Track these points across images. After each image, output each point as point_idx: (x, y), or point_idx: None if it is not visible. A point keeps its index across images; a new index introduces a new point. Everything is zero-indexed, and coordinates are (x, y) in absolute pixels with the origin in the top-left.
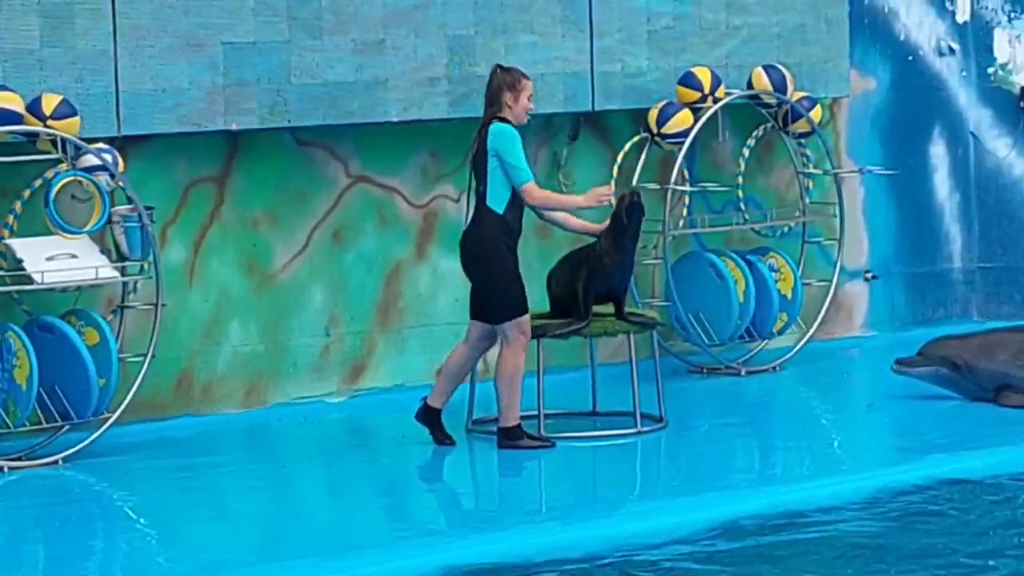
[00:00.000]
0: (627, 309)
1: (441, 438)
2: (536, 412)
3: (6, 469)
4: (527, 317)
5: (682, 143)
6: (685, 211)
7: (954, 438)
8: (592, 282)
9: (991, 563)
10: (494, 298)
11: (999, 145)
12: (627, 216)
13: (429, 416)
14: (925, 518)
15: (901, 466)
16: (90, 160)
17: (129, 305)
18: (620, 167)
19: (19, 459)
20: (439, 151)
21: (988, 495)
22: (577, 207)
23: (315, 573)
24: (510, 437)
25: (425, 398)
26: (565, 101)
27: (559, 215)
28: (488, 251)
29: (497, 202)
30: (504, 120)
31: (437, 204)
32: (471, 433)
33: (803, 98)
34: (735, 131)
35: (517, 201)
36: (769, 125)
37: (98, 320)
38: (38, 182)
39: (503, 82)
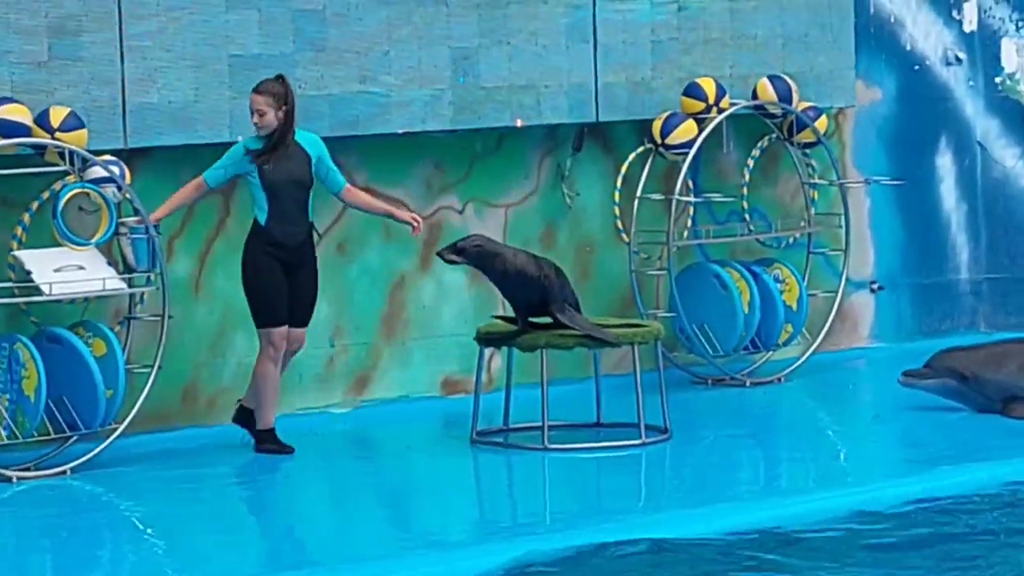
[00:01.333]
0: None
1: (276, 450)
2: (540, 423)
3: (15, 479)
4: (278, 330)
5: (686, 154)
6: (689, 222)
7: (961, 450)
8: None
9: (998, 574)
10: (255, 306)
11: (1006, 155)
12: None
13: (244, 417)
14: (931, 530)
15: (907, 478)
16: (97, 172)
17: (136, 317)
18: (624, 178)
19: (27, 469)
20: (443, 163)
21: (995, 507)
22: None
23: None
24: (260, 440)
25: (241, 400)
26: (569, 112)
27: None
28: (252, 260)
29: (259, 216)
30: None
31: (441, 216)
32: (475, 444)
33: (808, 108)
34: (740, 142)
35: (280, 210)
36: (774, 136)
37: (105, 331)
38: (46, 194)
39: None
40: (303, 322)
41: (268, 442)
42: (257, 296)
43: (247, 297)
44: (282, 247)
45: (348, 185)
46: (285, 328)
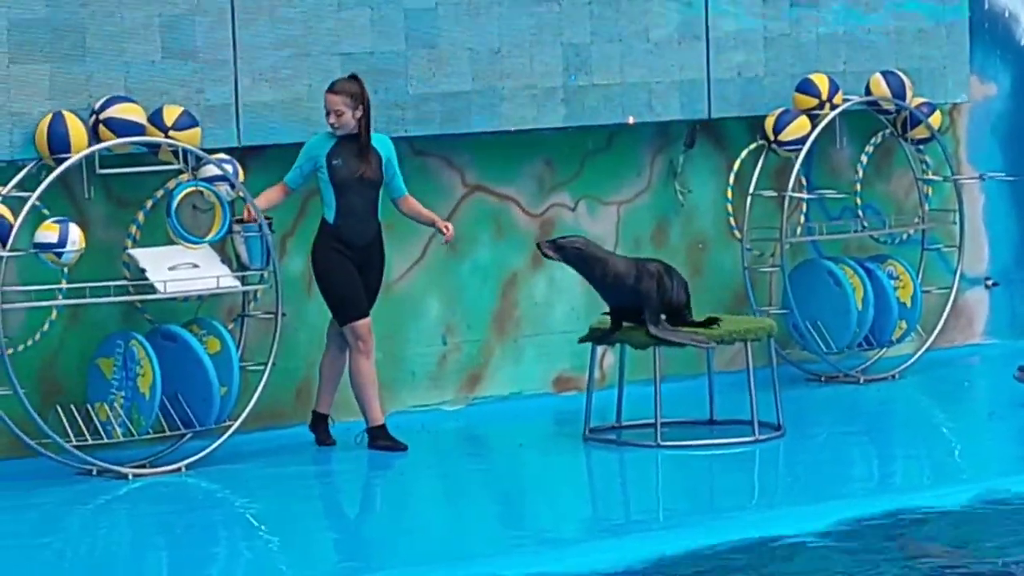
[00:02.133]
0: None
1: (391, 447)
2: (653, 420)
3: (130, 476)
4: (362, 323)
5: (799, 150)
6: (803, 218)
7: None
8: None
9: None
10: (334, 303)
11: None
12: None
13: (379, 435)
14: None
15: (1022, 475)
16: (211, 170)
17: (250, 314)
18: (737, 174)
19: (143, 466)
20: (555, 160)
21: None
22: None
23: None
24: (374, 436)
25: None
26: (681, 108)
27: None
28: (323, 258)
29: (328, 215)
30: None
31: (553, 213)
32: (588, 442)
33: (922, 104)
34: (853, 138)
35: (350, 209)
36: (887, 131)
37: (219, 329)
38: (160, 193)
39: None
40: (367, 313)
41: (381, 439)
42: (336, 293)
43: (325, 297)
44: (350, 246)
45: (407, 194)
46: (369, 320)
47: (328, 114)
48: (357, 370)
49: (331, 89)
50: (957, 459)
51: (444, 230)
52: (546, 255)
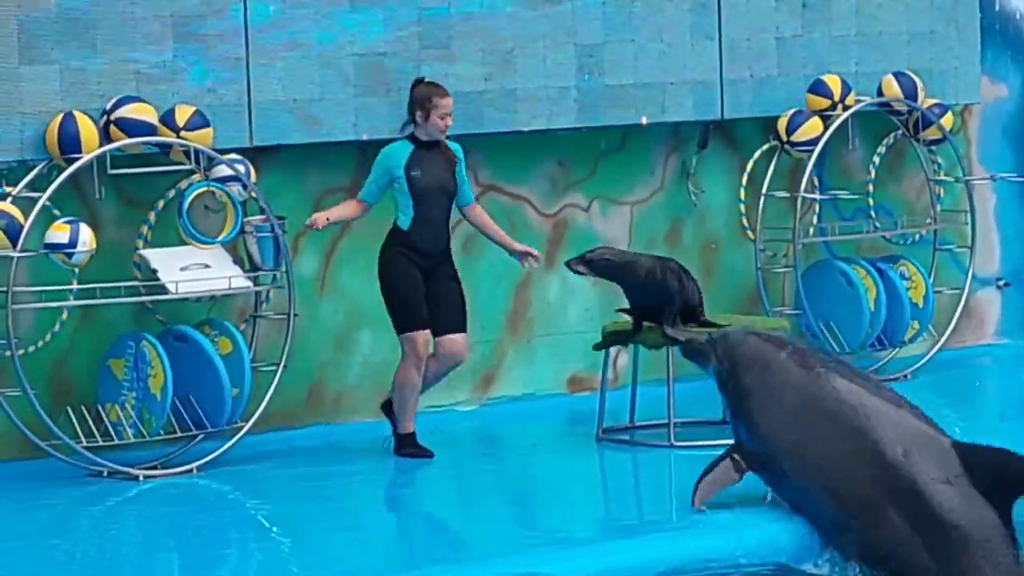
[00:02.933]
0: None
1: (417, 455)
2: (666, 420)
3: (141, 478)
4: (419, 334)
5: (812, 151)
6: (815, 219)
7: None
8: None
9: None
10: (393, 310)
11: None
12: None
13: (407, 443)
14: None
15: None
16: (223, 171)
17: (262, 315)
18: (750, 175)
19: (154, 468)
20: (568, 160)
21: None
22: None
23: None
24: (401, 444)
25: (395, 432)
26: (694, 109)
27: None
28: (388, 263)
29: (403, 221)
30: (411, 137)
31: (566, 213)
32: (601, 442)
33: (934, 105)
34: (865, 139)
35: (426, 218)
36: (899, 132)
37: (231, 330)
38: (171, 193)
39: (417, 98)
40: (457, 327)
41: (408, 446)
42: (395, 300)
43: (386, 303)
44: (422, 253)
45: (475, 203)
46: (427, 333)
47: (444, 117)
48: (404, 379)
49: (446, 92)
50: None
51: (529, 258)
52: (577, 272)
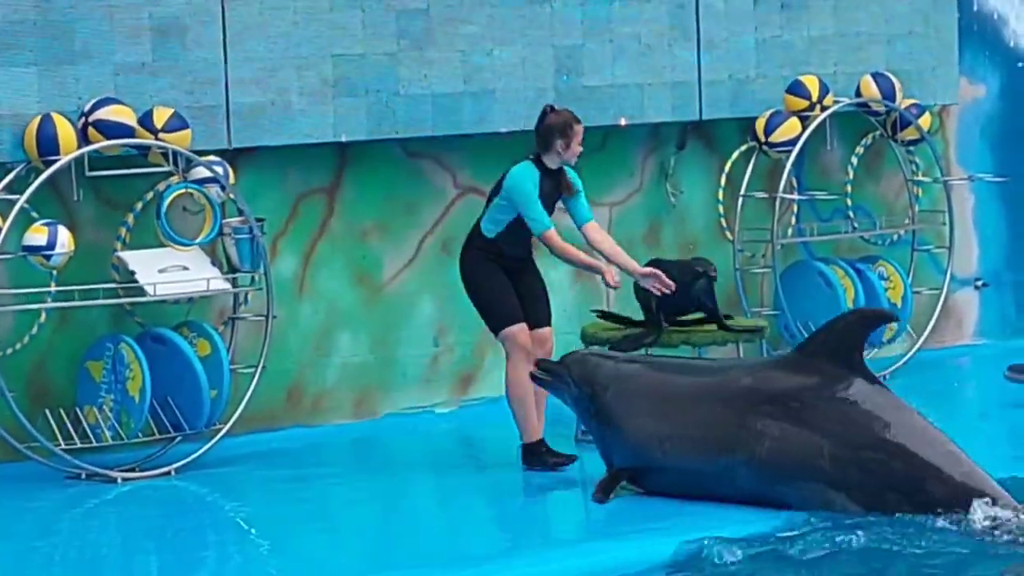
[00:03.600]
0: (731, 320)
1: (561, 462)
2: None
3: (119, 480)
4: (520, 327)
5: (790, 151)
6: (793, 220)
7: None
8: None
9: None
10: (485, 310)
11: None
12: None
13: (534, 452)
14: None
15: (1014, 474)
16: (201, 172)
17: (240, 317)
18: (728, 176)
19: (132, 470)
20: None
21: None
22: (587, 268)
23: None
24: (530, 454)
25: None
26: (673, 110)
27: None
28: (473, 265)
29: (489, 230)
30: (538, 161)
31: None
32: (580, 443)
33: (912, 106)
34: (843, 139)
35: (514, 233)
36: (878, 133)
37: (210, 331)
38: (150, 195)
39: (556, 127)
40: (546, 320)
41: (542, 454)
42: (487, 299)
43: (478, 306)
44: (506, 257)
45: (592, 219)
46: (525, 326)
47: (578, 146)
48: (516, 380)
49: (578, 118)
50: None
51: (609, 279)
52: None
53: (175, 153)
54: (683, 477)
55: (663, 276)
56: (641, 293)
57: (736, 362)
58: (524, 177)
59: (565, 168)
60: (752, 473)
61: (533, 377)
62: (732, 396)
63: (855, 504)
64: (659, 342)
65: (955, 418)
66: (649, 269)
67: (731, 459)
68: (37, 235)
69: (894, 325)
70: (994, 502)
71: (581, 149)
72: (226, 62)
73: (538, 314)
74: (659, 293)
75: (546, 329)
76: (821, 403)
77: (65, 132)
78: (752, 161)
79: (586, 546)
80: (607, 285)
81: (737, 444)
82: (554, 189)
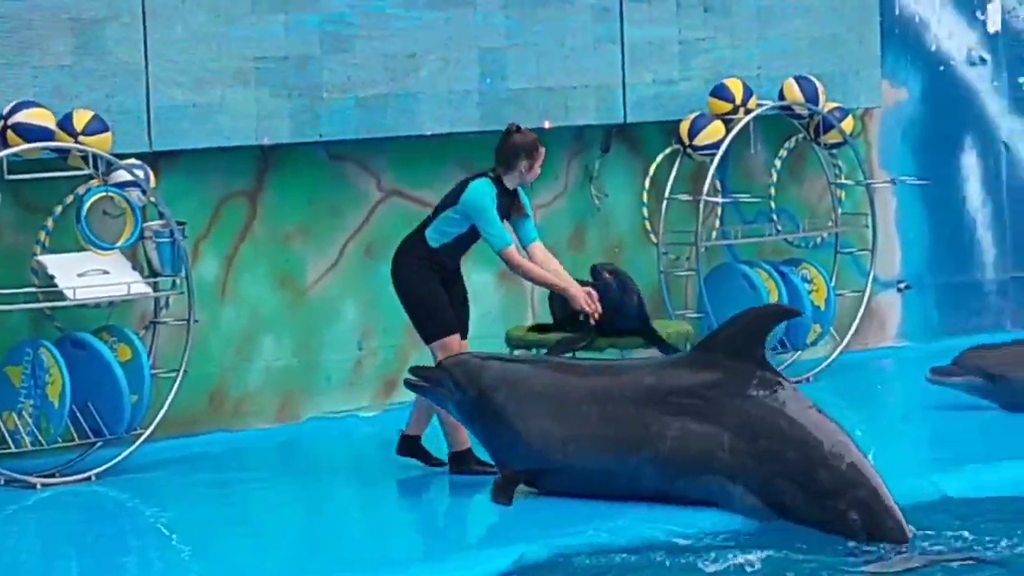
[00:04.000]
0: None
1: (487, 471)
2: None
3: (39, 486)
4: (455, 338)
5: (714, 154)
6: (718, 222)
7: (990, 448)
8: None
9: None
10: (423, 319)
11: None
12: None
13: (408, 447)
14: (961, 529)
15: (935, 476)
16: (122, 176)
17: (161, 321)
18: (653, 179)
19: (52, 476)
20: (471, 164)
21: (1021, 504)
22: (554, 289)
23: None
24: (458, 462)
25: (402, 431)
26: (597, 113)
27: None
28: (412, 273)
29: (435, 240)
30: (497, 180)
31: None
32: None
33: (835, 109)
34: (767, 142)
35: (457, 247)
36: (801, 136)
37: (130, 336)
38: (70, 198)
39: (521, 147)
40: (465, 331)
41: (469, 463)
42: (428, 308)
43: (414, 314)
44: (444, 268)
45: (536, 240)
46: (459, 336)
47: (538, 168)
48: None
49: (540, 141)
50: (872, 461)
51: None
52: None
53: (95, 156)
54: (587, 477)
55: (595, 301)
56: (557, 300)
57: (638, 361)
58: (484, 194)
59: (519, 190)
60: (656, 470)
61: (409, 384)
62: (636, 395)
63: (752, 496)
64: (588, 347)
65: (878, 420)
66: (585, 292)
67: (636, 457)
68: None
69: (817, 327)
70: (874, 496)
71: (537, 172)
72: (147, 65)
73: (463, 325)
74: (593, 319)
75: (465, 340)
76: (722, 398)
77: None
78: (676, 164)
79: (507, 549)
80: (584, 314)
81: (642, 442)
82: (506, 210)
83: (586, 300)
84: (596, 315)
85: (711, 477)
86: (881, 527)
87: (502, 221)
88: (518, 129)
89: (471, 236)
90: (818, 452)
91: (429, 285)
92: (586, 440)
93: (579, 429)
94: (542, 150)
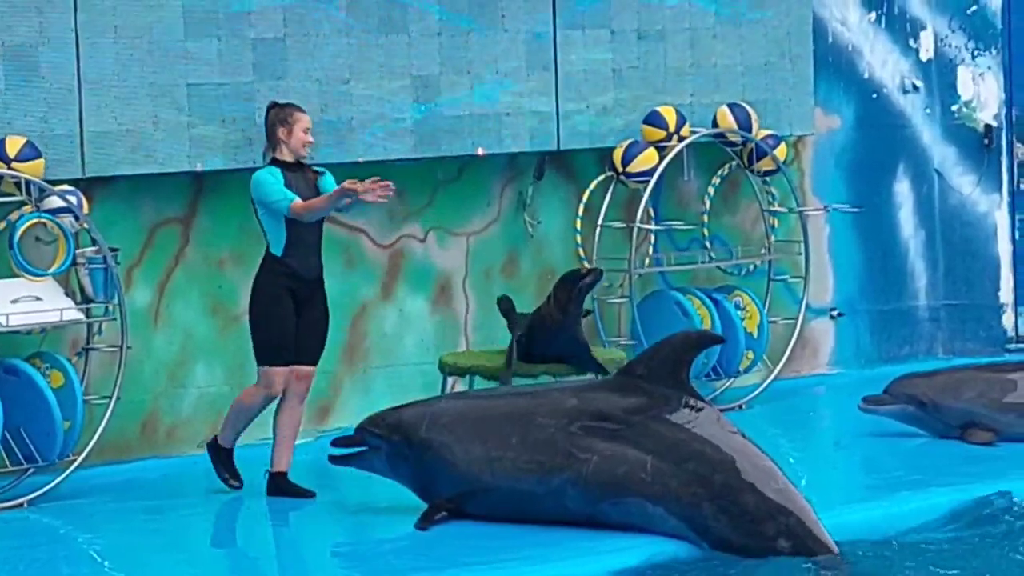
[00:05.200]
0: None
1: (228, 477)
2: None
3: None
4: (282, 371)
5: (647, 182)
6: (651, 249)
7: (921, 475)
8: (529, 338)
9: None
10: (260, 341)
11: (963, 182)
12: (580, 292)
13: (219, 454)
14: (891, 556)
15: (867, 503)
16: (55, 202)
17: (94, 347)
18: (586, 206)
19: None
20: (404, 191)
21: (953, 531)
22: (331, 200)
23: None
24: (273, 480)
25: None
26: (530, 140)
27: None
28: (262, 288)
29: (275, 246)
30: (276, 162)
31: (403, 244)
32: None
33: (768, 136)
34: (700, 169)
35: (299, 240)
36: (734, 163)
37: (63, 362)
38: (2, 224)
39: (276, 118)
40: (314, 360)
41: (283, 485)
42: (264, 332)
43: (253, 332)
44: (299, 279)
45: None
46: (287, 371)
47: (307, 132)
48: (249, 403)
49: (303, 109)
50: (804, 488)
51: (367, 187)
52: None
53: (28, 182)
54: (513, 499)
55: (373, 183)
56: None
57: (562, 384)
58: (259, 177)
59: (327, 176)
60: (579, 493)
61: (335, 459)
62: (560, 418)
63: (674, 518)
64: (520, 373)
65: (810, 447)
66: (358, 184)
67: (559, 479)
68: None
69: (750, 354)
70: (800, 521)
71: (311, 140)
72: (80, 90)
73: (309, 351)
74: (382, 200)
75: (310, 368)
76: (645, 422)
77: None
78: (610, 191)
79: (443, 573)
80: (358, 195)
81: (564, 465)
82: (306, 185)
83: (360, 184)
84: (381, 191)
85: (632, 499)
86: (811, 552)
87: (309, 197)
88: (274, 105)
89: (292, 224)
90: (743, 476)
91: (276, 307)
92: (509, 462)
93: (502, 451)
94: (299, 115)
